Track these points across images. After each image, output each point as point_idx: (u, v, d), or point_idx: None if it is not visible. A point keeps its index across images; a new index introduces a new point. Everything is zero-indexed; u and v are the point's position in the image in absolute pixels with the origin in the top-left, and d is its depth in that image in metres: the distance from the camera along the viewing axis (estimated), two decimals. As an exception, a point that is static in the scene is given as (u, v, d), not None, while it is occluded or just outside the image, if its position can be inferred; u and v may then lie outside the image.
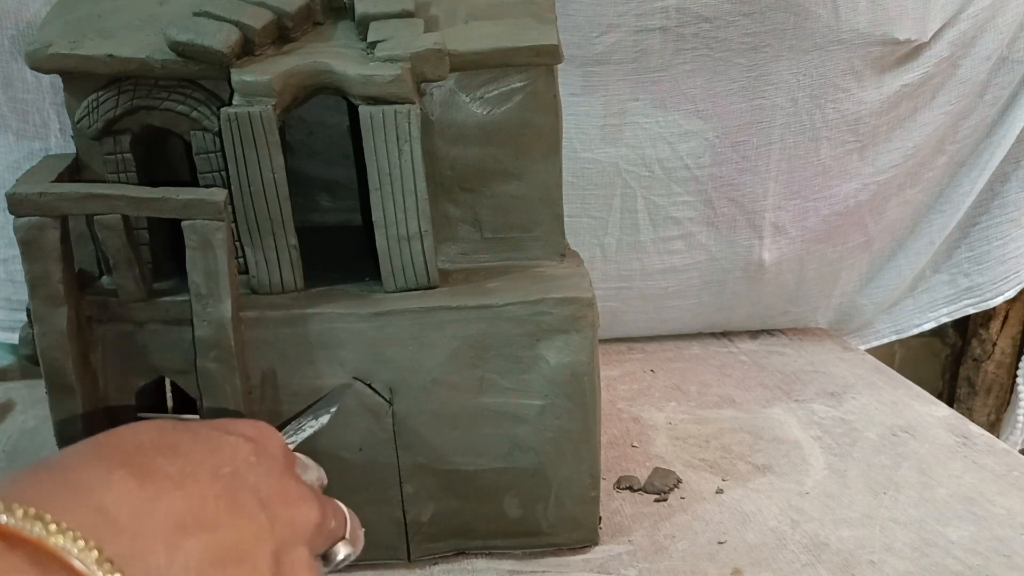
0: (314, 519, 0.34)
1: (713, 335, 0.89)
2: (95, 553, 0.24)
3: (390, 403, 0.50)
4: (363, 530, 0.39)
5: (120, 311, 0.48)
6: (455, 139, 0.51)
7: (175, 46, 0.46)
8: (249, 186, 0.47)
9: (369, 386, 0.49)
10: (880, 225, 0.85)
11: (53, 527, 0.24)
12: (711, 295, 0.85)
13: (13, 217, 0.44)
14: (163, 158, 0.53)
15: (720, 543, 0.55)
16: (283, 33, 0.49)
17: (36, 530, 0.23)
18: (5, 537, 0.23)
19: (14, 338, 0.70)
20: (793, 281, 0.85)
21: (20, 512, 0.24)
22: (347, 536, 0.37)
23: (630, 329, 0.87)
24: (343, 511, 0.38)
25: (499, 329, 0.49)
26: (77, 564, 0.24)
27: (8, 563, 0.23)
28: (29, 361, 0.48)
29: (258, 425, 0.36)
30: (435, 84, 0.50)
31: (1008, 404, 1.00)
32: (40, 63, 0.47)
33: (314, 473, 0.40)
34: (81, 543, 0.24)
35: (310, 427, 0.46)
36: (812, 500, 0.59)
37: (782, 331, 0.90)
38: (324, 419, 0.46)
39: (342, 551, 0.37)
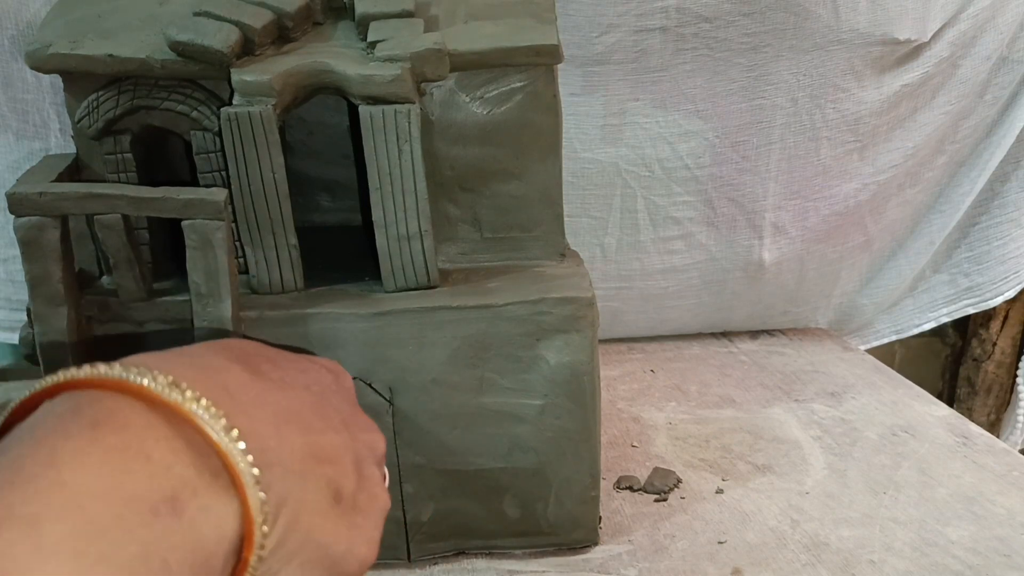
0: (382, 446, 0.37)
1: (713, 335, 0.89)
2: (223, 421, 0.27)
3: (390, 403, 0.50)
4: None
5: (120, 311, 0.48)
6: (455, 139, 0.51)
7: (175, 46, 0.46)
8: (249, 186, 0.47)
9: (369, 386, 0.49)
10: (880, 225, 0.85)
11: (189, 394, 0.27)
12: (711, 295, 0.85)
13: (13, 217, 0.44)
14: (163, 158, 0.53)
15: (720, 543, 0.55)
16: (283, 33, 0.49)
17: (174, 396, 0.26)
18: (146, 400, 0.26)
19: (14, 338, 0.70)
20: (793, 281, 0.85)
21: (161, 379, 0.27)
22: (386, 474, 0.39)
23: (630, 329, 0.87)
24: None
25: (499, 329, 0.49)
26: (208, 429, 0.27)
27: (148, 421, 0.26)
28: (29, 361, 0.48)
29: (334, 363, 0.39)
30: (435, 84, 0.50)
31: (1008, 404, 1.00)
32: (40, 63, 0.47)
33: None
34: (213, 410, 0.27)
35: None
36: (812, 500, 0.59)
37: (782, 331, 0.90)
38: None
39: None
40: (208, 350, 0.32)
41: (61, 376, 0.27)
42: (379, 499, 0.35)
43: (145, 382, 0.26)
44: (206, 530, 0.26)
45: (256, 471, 0.27)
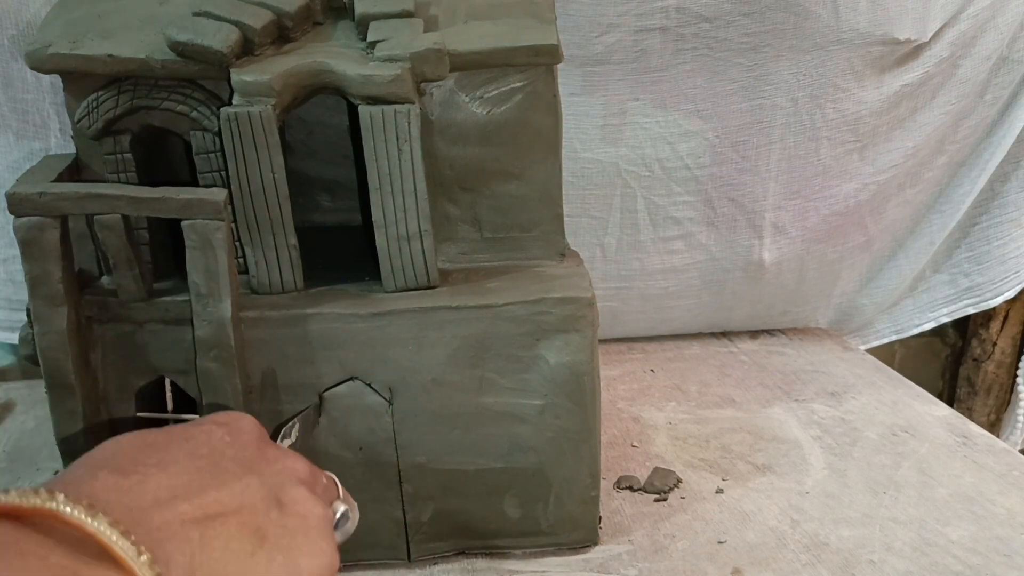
0: (301, 466, 0.37)
1: (713, 335, 0.89)
2: (97, 514, 0.27)
3: (390, 403, 0.50)
4: (354, 503, 0.41)
5: (120, 311, 0.48)
6: (455, 139, 0.51)
7: (175, 46, 0.46)
8: (249, 186, 0.47)
9: (369, 386, 0.49)
10: (880, 225, 0.85)
11: (61, 498, 0.27)
12: (711, 295, 0.85)
13: (13, 217, 0.44)
14: (163, 158, 0.53)
15: (720, 543, 0.55)
16: (283, 33, 0.49)
17: (41, 502, 0.27)
18: (12, 513, 0.27)
19: (14, 338, 0.70)
20: (793, 281, 0.85)
21: (28, 493, 0.27)
22: (341, 495, 0.40)
23: (630, 329, 0.87)
24: (331, 476, 0.40)
25: (499, 329, 0.49)
26: (78, 519, 0.27)
27: (18, 530, 0.26)
28: (29, 361, 0.48)
29: (227, 412, 0.39)
30: (435, 84, 0.50)
31: (1008, 404, 1.00)
32: (40, 63, 0.47)
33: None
34: (81, 507, 0.27)
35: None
36: (812, 500, 0.59)
37: (782, 331, 0.90)
38: (289, 440, 0.47)
39: (340, 507, 0.39)
40: (74, 467, 0.33)
41: None
42: (312, 513, 0.35)
43: (7, 499, 0.27)
44: None
45: (143, 549, 0.27)
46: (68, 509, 0.27)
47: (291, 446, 0.46)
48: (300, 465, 0.37)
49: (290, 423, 0.48)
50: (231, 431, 0.36)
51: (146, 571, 0.27)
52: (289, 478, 0.36)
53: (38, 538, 0.27)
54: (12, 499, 0.27)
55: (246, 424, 0.38)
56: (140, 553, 0.27)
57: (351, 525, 0.40)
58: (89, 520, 0.27)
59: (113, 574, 0.27)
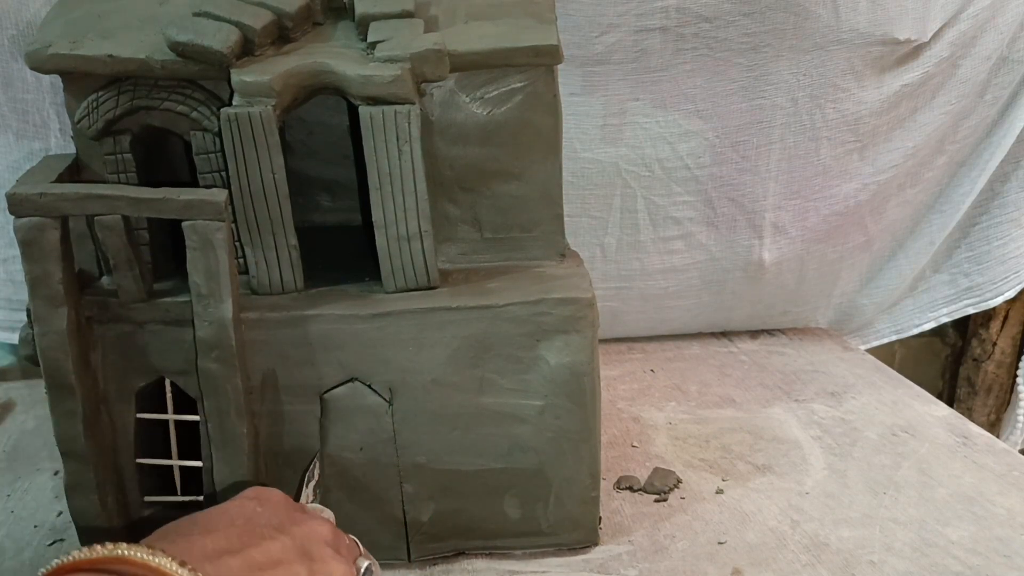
0: (327, 528, 0.41)
1: (713, 335, 0.89)
2: (161, 554, 0.32)
3: (390, 403, 0.50)
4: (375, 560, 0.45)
5: (120, 311, 0.48)
6: (455, 139, 0.51)
7: (175, 46, 0.46)
8: (249, 186, 0.47)
9: (369, 387, 0.49)
10: (880, 225, 0.85)
11: (120, 548, 0.32)
12: (711, 295, 0.85)
13: (13, 217, 0.44)
14: (163, 158, 0.53)
15: (720, 543, 0.55)
16: (283, 33, 0.49)
17: (150, 557, 0.32)
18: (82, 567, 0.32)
19: (14, 338, 0.70)
20: (793, 281, 0.85)
21: (135, 549, 0.33)
22: (362, 552, 0.43)
23: (630, 329, 0.87)
24: (353, 538, 0.44)
25: (499, 329, 0.49)
26: (166, 566, 0.32)
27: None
28: (29, 361, 0.48)
29: (255, 488, 0.42)
30: (435, 84, 0.50)
31: (1008, 404, 1.00)
32: (40, 63, 0.47)
33: (324, 514, 0.45)
34: (143, 550, 0.32)
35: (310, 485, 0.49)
36: (812, 500, 0.59)
37: (782, 331, 0.90)
38: (314, 481, 0.50)
39: (364, 562, 0.42)
40: (147, 540, 0.37)
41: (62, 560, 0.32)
42: (337, 568, 0.39)
43: (121, 552, 0.32)
44: None
45: None
46: (133, 553, 0.32)
47: (315, 486, 0.49)
48: (325, 528, 0.41)
49: (311, 465, 0.49)
50: (261, 502, 0.40)
51: None
52: (316, 539, 0.40)
53: None
54: (85, 554, 0.32)
55: (273, 495, 0.42)
56: None
57: (375, 568, 0.43)
58: (152, 558, 0.32)
59: None
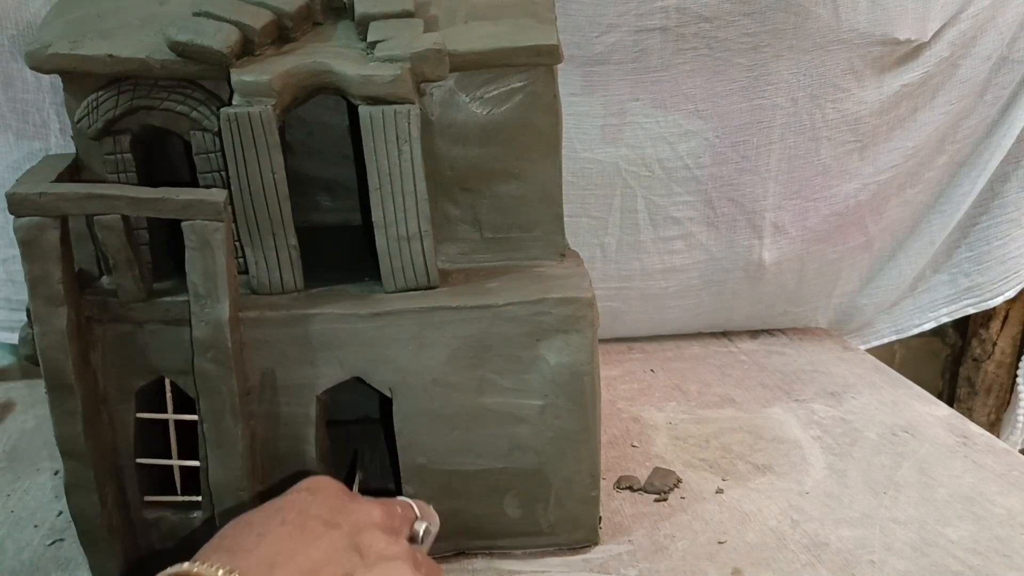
0: (376, 511, 0.42)
1: (713, 335, 0.89)
2: (215, 565, 0.35)
3: (390, 403, 0.49)
4: (431, 506, 0.47)
5: (120, 311, 0.48)
6: (455, 139, 0.51)
7: (175, 46, 0.46)
8: (249, 186, 0.47)
9: (369, 386, 0.49)
10: (880, 225, 0.85)
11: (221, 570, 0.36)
12: (711, 295, 0.85)
13: (13, 217, 0.44)
14: (163, 158, 0.53)
15: (720, 543, 0.55)
16: (283, 33, 0.49)
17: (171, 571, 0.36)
18: None
19: (14, 338, 0.70)
20: (793, 281, 0.85)
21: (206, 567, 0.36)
22: (418, 515, 0.45)
23: (630, 329, 0.87)
24: (407, 501, 0.46)
25: (499, 329, 0.49)
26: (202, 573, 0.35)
27: None
28: (29, 361, 0.48)
29: (310, 479, 0.43)
30: (435, 84, 0.50)
31: (1008, 404, 1.00)
32: (40, 63, 0.47)
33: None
34: (201, 564, 0.36)
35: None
36: (812, 500, 0.59)
37: (782, 331, 0.90)
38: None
39: (420, 526, 0.44)
40: (205, 550, 0.39)
41: None
42: (387, 551, 0.40)
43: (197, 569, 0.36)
44: None
45: None
46: (197, 567, 0.35)
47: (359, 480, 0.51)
48: (375, 510, 0.42)
49: (358, 454, 0.51)
50: (312, 491, 0.42)
51: None
52: (366, 525, 0.41)
53: None
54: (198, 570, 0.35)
55: (325, 483, 0.43)
56: None
57: (433, 527, 0.46)
58: (208, 568, 0.35)
59: None
